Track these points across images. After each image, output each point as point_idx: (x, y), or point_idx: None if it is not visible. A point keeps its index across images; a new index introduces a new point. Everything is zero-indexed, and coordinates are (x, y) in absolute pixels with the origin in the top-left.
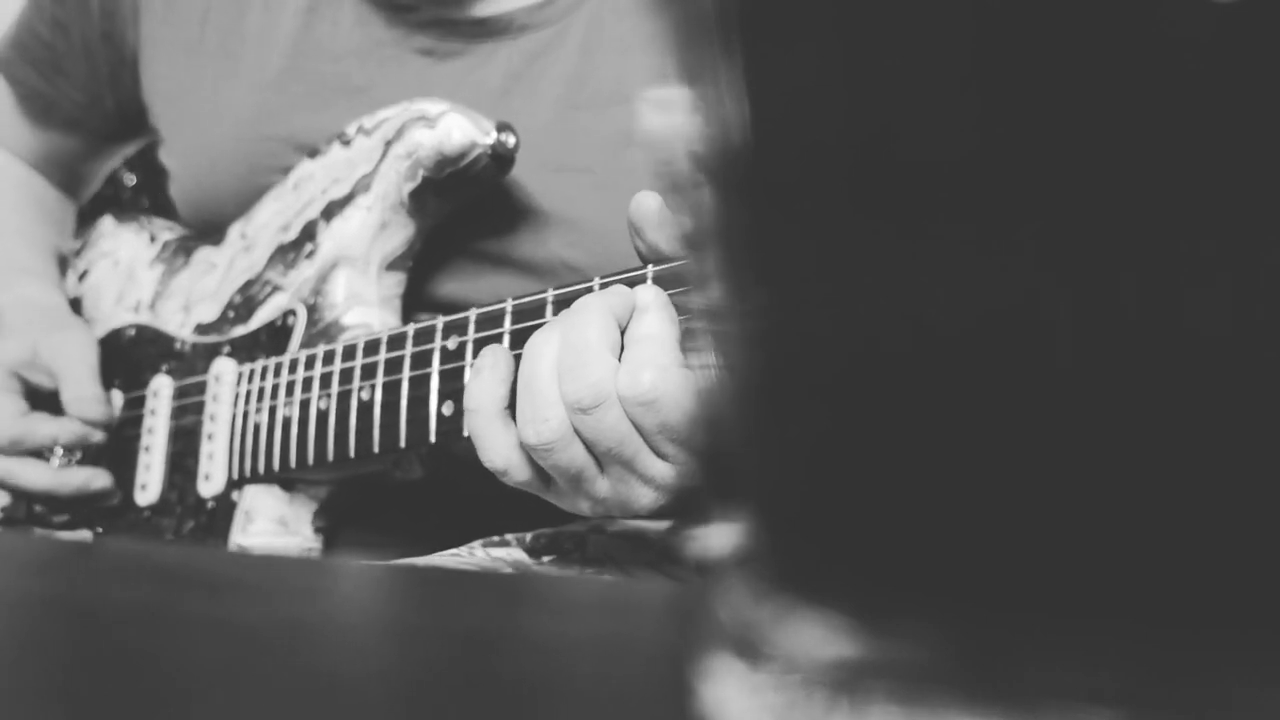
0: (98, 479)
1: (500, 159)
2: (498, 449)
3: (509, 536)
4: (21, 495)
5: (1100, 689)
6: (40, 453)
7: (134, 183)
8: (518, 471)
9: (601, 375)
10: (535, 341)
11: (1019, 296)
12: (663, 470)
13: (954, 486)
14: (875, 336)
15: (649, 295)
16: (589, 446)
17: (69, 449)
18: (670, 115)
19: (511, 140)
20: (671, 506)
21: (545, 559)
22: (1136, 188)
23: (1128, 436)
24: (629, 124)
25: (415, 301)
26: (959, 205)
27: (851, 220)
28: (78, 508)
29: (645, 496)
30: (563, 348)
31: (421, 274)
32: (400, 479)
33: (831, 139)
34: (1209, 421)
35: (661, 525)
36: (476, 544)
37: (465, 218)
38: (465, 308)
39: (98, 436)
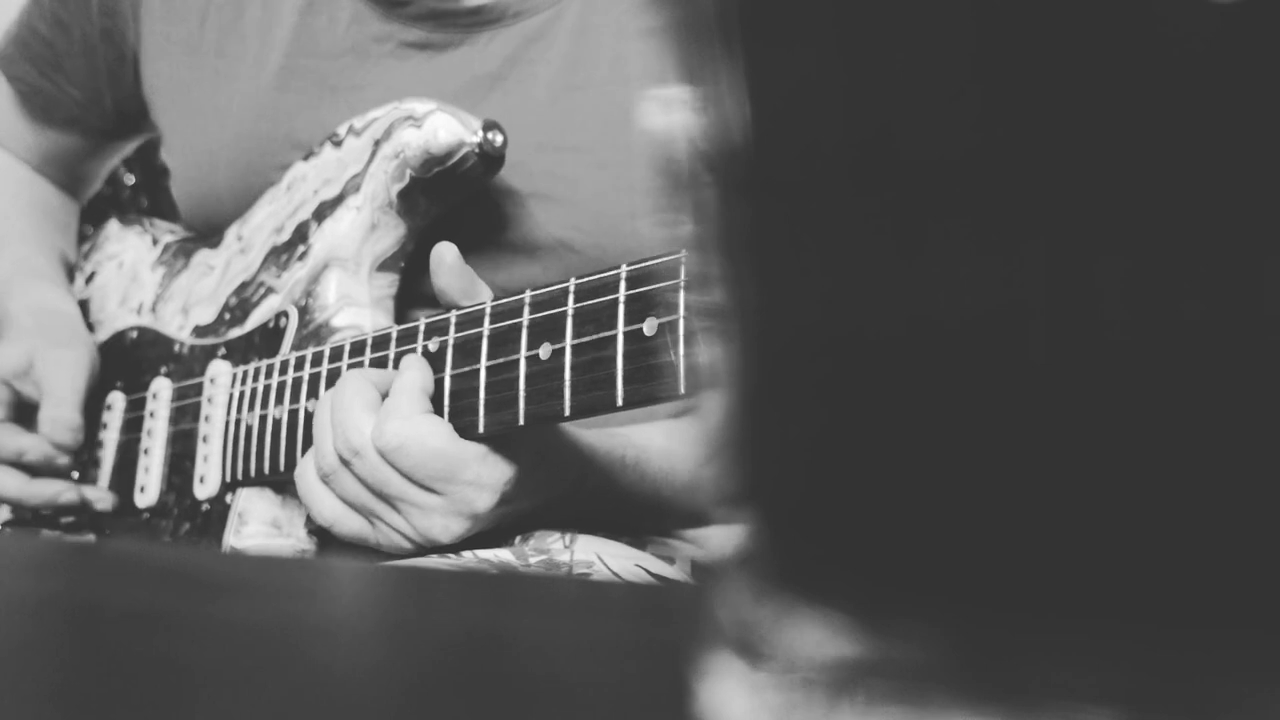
0: (66, 493)
1: (488, 158)
2: (323, 505)
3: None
4: None
5: (1100, 689)
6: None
7: (133, 182)
8: (343, 523)
9: (355, 430)
10: (320, 401)
11: (1021, 295)
12: (436, 502)
13: (954, 486)
14: (876, 335)
15: (408, 360)
16: (368, 488)
17: (32, 465)
18: (671, 114)
19: (499, 139)
20: (471, 533)
21: (533, 560)
22: (1137, 187)
23: (1129, 436)
24: (626, 103)
25: (419, 294)
26: (960, 204)
27: (853, 219)
28: (50, 519)
29: (435, 525)
30: (330, 409)
31: (422, 269)
32: None
33: (833, 138)
34: (1209, 421)
35: (652, 531)
36: None
37: (465, 206)
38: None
39: (62, 460)
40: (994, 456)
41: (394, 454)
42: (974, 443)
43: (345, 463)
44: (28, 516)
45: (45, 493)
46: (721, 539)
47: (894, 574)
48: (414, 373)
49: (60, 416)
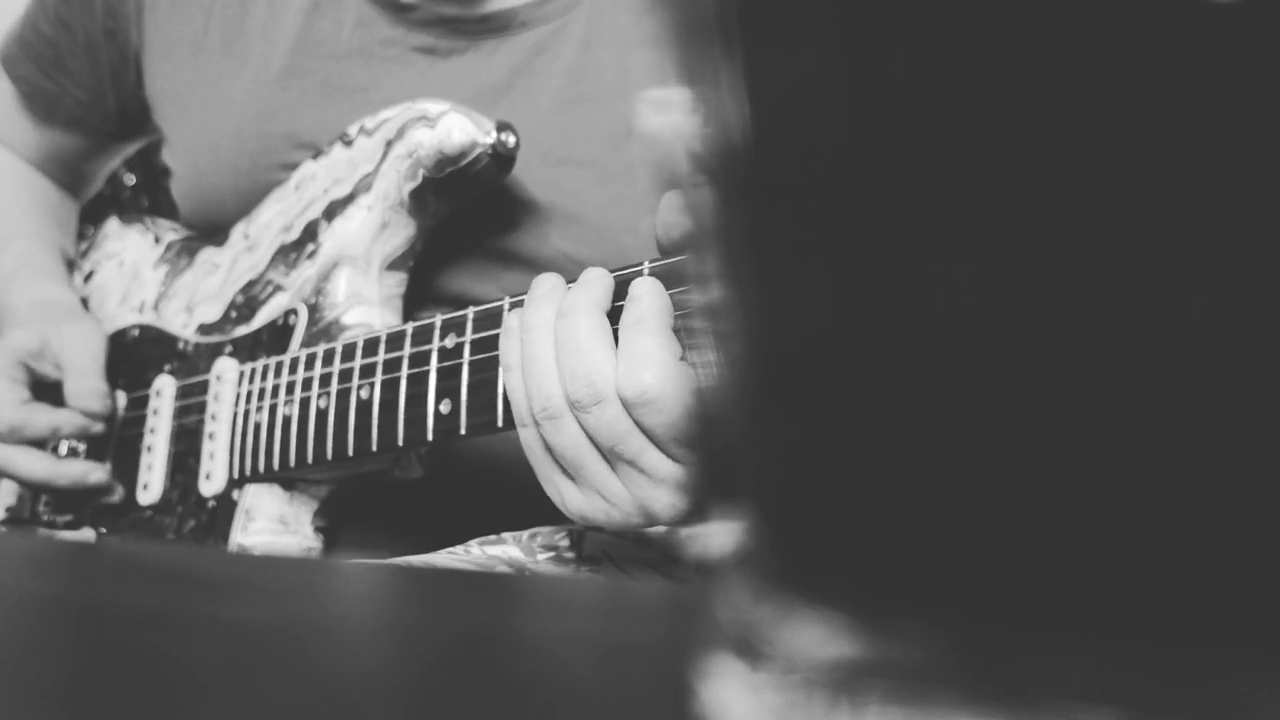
0: (94, 473)
1: (500, 159)
2: (525, 414)
3: (505, 535)
4: (22, 485)
5: (1100, 689)
6: (43, 444)
7: (134, 182)
8: (534, 441)
9: (599, 375)
10: (535, 320)
11: (1020, 295)
12: (672, 470)
13: (954, 486)
14: (876, 336)
15: (643, 286)
16: (593, 442)
17: (69, 440)
18: (670, 115)
19: (512, 140)
20: (691, 512)
21: (541, 557)
22: (1137, 187)
23: (1128, 436)
24: (631, 118)
25: (421, 298)
26: (960, 204)
27: (852, 219)
28: (74, 501)
29: (661, 499)
30: (558, 346)
31: (427, 270)
32: (400, 478)
33: (832, 138)
34: (1209, 421)
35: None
36: (473, 542)
37: (469, 213)
38: (470, 303)
39: (97, 428)
40: (994, 456)
41: (643, 408)
42: (974, 443)
43: (579, 408)
44: (25, 514)
45: (73, 472)
46: (722, 539)
47: (894, 574)
48: (654, 299)
49: (85, 386)
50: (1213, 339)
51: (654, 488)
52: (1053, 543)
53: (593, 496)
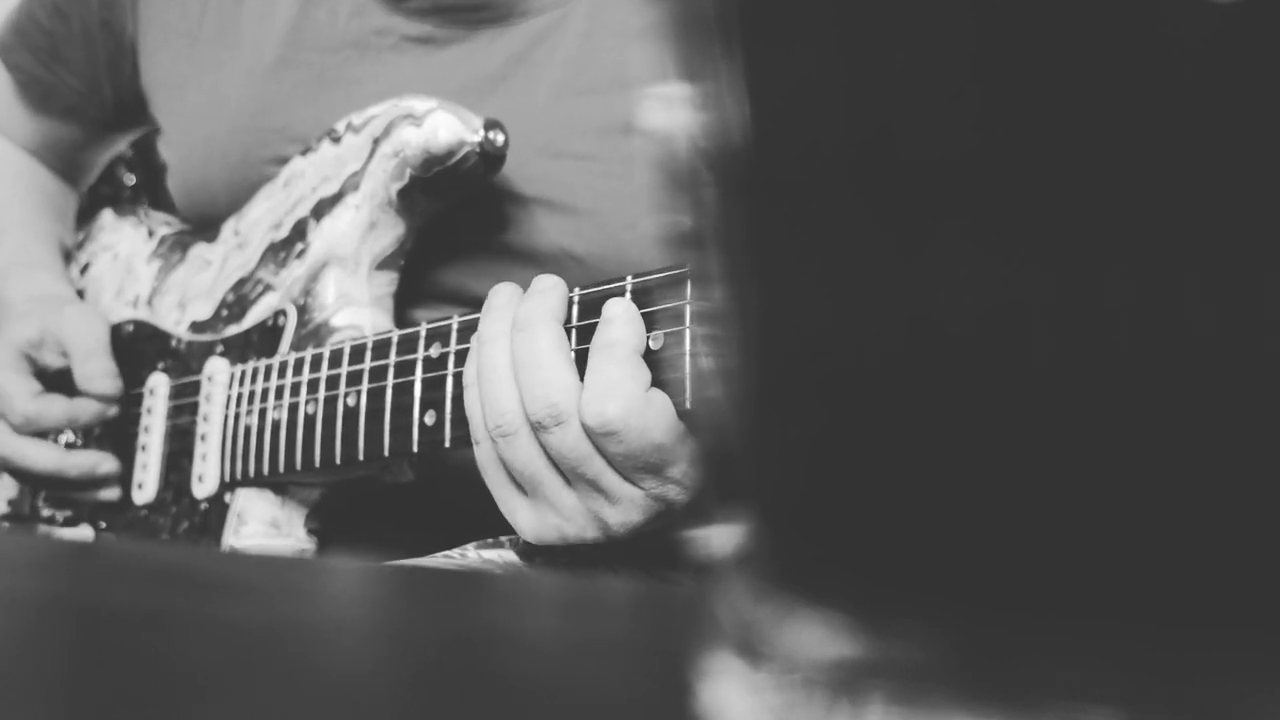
0: (105, 463)
1: (489, 157)
2: (480, 429)
3: (503, 538)
4: (29, 478)
5: (1100, 689)
6: (45, 436)
7: (134, 182)
8: (489, 458)
9: (560, 395)
10: (489, 333)
11: (1020, 296)
12: (630, 491)
13: (954, 486)
14: (876, 336)
15: (617, 308)
16: (553, 461)
17: (86, 428)
18: (671, 113)
19: (500, 138)
20: (647, 528)
21: (537, 560)
22: (1137, 187)
23: (1128, 437)
24: (629, 111)
25: (418, 294)
26: (960, 204)
27: (853, 219)
28: (84, 492)
29: (615, 516)
30: (515, 362)
31: (424, 266)
32: (391, 482)
33: (833, 137)
34: (1209, 422)
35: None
36: (469, 546)
37: (465, 207)
38: (467, 298)
39: (113, 411)
40: (994, 457)
41: (605, 438)
42: (974, 443)
43: (539, 428)
44: (25, 511)
45: (83, 463)
46: (722, 539)
47: (894, 574)
48: (625, 328)
49: (95, 369)
50: (1211, 340)
51: (610, 505)
52: (1052, 543)
53: (546, 513)
